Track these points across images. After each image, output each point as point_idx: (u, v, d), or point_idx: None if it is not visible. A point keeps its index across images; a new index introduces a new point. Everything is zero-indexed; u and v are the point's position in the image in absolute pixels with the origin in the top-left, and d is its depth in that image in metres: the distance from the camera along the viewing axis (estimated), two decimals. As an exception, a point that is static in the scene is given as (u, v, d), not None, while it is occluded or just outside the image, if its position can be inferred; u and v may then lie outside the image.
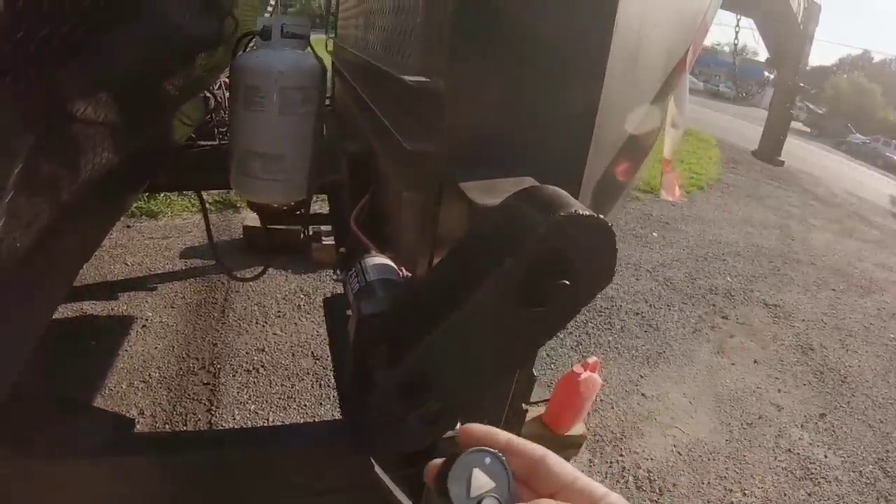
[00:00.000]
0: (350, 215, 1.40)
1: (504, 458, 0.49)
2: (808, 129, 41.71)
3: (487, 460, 0.48)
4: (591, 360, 3.19)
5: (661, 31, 1.25)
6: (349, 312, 1.00)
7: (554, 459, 0.51)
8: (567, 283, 0.68)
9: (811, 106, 48.42)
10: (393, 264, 1.05)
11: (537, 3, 0.86)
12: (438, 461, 0.50)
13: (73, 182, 0.94)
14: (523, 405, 1.38)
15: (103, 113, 1.03)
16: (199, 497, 1.29)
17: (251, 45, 2.16)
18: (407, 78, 0.99)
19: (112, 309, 3.93)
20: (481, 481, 0.47)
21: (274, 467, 1.27)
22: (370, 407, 0.79)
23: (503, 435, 0.53)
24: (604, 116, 0.99)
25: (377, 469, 0.99)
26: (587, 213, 0.68)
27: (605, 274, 0.75)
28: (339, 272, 1.35)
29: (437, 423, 0.82)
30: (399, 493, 1.07)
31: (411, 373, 0.75)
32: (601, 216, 0.70)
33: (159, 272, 4.49)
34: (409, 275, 1.07)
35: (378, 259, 1.04)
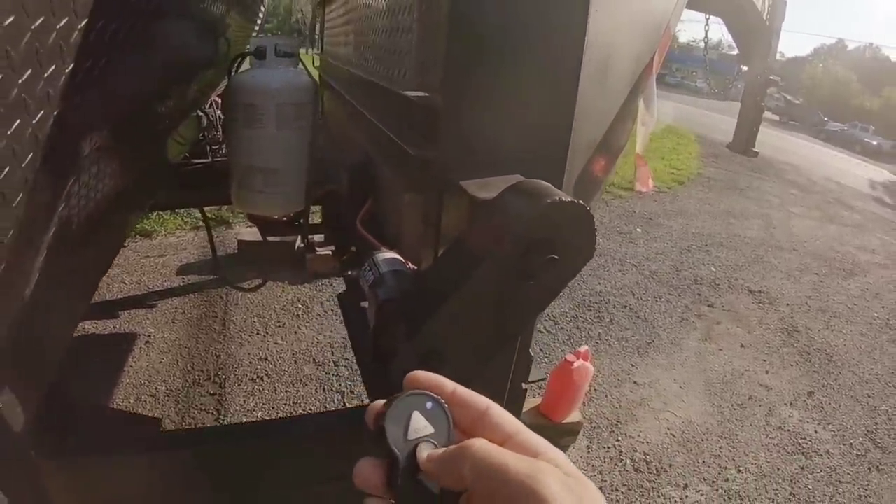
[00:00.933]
0: (355, 219, 1.53)
1: (446, 405, 0.49)
2: (778, 118, 41.82)
3: (429, 405, 0.49)
4: (582, 349, 3.31)
5: (628, 43, 1.39)
6: (364, 304, 1.12)
7: (497, 411, 0.51)
8: (555, 257, 0.81)
9: (788, 97, 48.72)
10: (400, 258, 1.18)
11: (518, 29, 1.00)
12: (381, 402, 0.49)
13: (87, 207, 1.05)
14: (523, 384, 1.49)
15: (112, 141, 1.14)
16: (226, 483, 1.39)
17: (245, 64, 2.26)
18: (408, 93, 1.12)
19: (114, 327, 4.00)
20: (419, 424, 0.48)
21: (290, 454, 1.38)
22: (392, 377, 0.92)
23: (449, 384, 0.52)
24: (580, 121, 1.13)
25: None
26: (568, 199, 0.82)
27: (586, 250, 0.88)
28: (350, 271, 1.46)
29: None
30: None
31: (428, 343, 0.88)
32: (580, 202, 0.83)
33: (158, 289, 4.55)
34: (415, 267, 1.19)
35: (387, 254, 1.16)
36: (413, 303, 0.96)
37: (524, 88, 1.04)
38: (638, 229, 7.65)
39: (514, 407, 1.52)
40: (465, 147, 1.04)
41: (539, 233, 0.82)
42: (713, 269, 6.69)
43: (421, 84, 1.17)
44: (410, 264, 1.20)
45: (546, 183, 0.88)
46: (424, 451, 0.47)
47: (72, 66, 0.86)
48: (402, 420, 0.47)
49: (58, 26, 0.79)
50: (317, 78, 2.42)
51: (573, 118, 1.10)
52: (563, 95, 1.08)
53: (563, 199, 0.81)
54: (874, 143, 34.19)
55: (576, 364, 3.19)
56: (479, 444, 0.45)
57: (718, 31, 4.16)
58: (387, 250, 1.20)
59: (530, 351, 1.41)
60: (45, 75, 0.78)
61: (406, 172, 1.15)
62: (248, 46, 2.15)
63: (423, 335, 0.88)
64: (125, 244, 5.16)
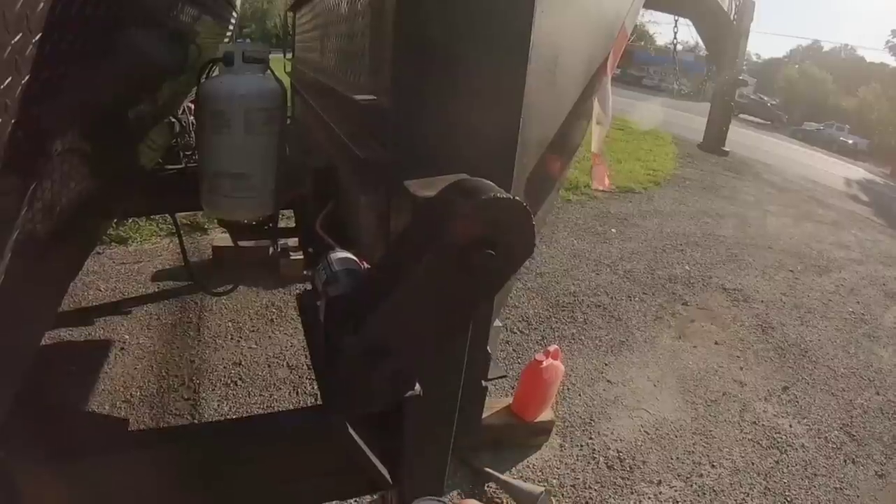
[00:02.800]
0: (316, 222, 1.55)
1: None
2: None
3: None
4: (552, 348, 3.34)
5: (578, 44, 1.43)
6: (319, 303, 1.14)
7: None
8: (492, 252, 0.84)
9: (765, 97, 49.26)
10: (355, 258, 1.20)
11: (463, 32, 1.03)
12: None
13: (54, 211, 1.05)
14: (482, 382, 1.52)
15: (81, 145, 1.15)
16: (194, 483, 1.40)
17: (214, 71, 2.27)
18: (358, 97, 1.15)
19: (89, 334, 3.97)
20: None
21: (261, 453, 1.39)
22: (340, 371, 0.95)
23: None
24: (528, 121, 1.16)
25: (350, 431, 1.12)
26: (505, 196, 0.84)
27: (526, 246, 0.91)
28: (307, 271, 1.48)
29: (396, 381, 0.98)
30: (371, 454, 1.21)
31: (372, 338, 0.91)
32: (517, 198, 0.86)
33: (133, 296, 4.52)
34: (370, 267, 1.22)
35: (342, 254, 1.19)
36: (361, 299, 0.99)
37: (470, 90, 1.07)
38: (613, 230, 7.70)
39: (475, 404, 1.55)
40: (412, 149, 1.07)
41: (476, 229, 0.84)
42: (688, 267, 6.75)
43: (372, 87, 1.20)
44: (366, 264, 1.22)
45: (487, 181, 0.91)
46: None
47: (35, 70, 0.86)
48: None
49: (17, 39, 0.80)
50: (287, 83, 2.43)
51: (520, 118, 1.13)
52: (509, 96, 1.11)
53: (501, 195, 0.84)
54: (850, 142, 34.93)
55: (545, 363, 3.23)
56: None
57: (693, 33, 4.26)
58: (341, 250, 1.22)
59: (489, 349, 1.44)
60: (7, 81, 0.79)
61: (358, 174, 1.18)
62: (219, 53, 2.17)
63: (367, 329, 0.91)
64: (100, 251, 5.13)
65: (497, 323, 1.62)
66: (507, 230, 0.87)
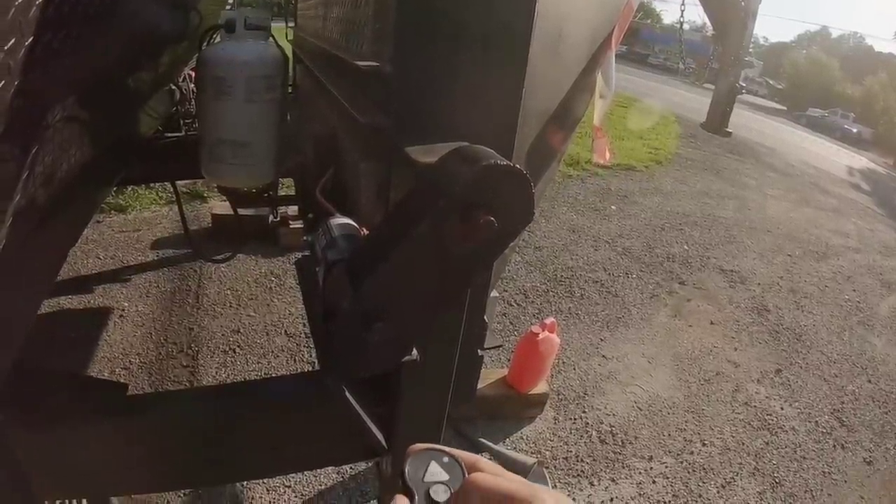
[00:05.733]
0: (316, 188, 1.56)
1: (462, 462, 0.59)
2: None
3: (446, 459, 0.58)
4: (548, 320, 3.36)
5: (583, 16, 1.42)
6: (318, 268, 1.15)
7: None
8: (492, 219, 0.85)
9: (770, 81, 49.03)
10: (354, 224, 1.21)
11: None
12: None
13: (53, 178, 1.06)
14: (479, 351, 1.53)
15: (80, 111, 1.15)
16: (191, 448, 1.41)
17: (216, 38, 2.26)
18: (361, 63, 1.15)
19: (88, 302, 4.00)
20: (435, 470, 0.57)
21: (258, 417, 1.40)
22: (337, 336, 0.96)
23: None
24: (531, 92, 1.16)
25: (348, 395, 1.14)
26: (504, 162, 0.85)
27: (524, 213, 0.91)
28: (306, 237, 1.49)
29: (393, 346, 1.00)
30: (368, 420, 1.22)
31: (370, 302, 0.92)
32: (517, 165, 0.86)
33: (132, 264, 4.54)
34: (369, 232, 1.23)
35: (342, 219, 1.20)
36: (359, 262, 0.99)
37: (473, 58, 1.06)
38: (613, 207, 7.70)
39: (471, 372, 1.56)
40: (414, 115, 1.07)
41: (476, 195, 0.85)
42: (686, 247, 6.77)
43: (375, 55, 1.20)
44: (365, 230, 1.23)
45: (487, 148, 0.91)
46: (439, 491, 0.56)
47: (37, 33, 0.86)
48: (421, 466, 0.58)
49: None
50: (289, 51, 2.42)
51: (523, 88, 1.13)
52: (512, 64, 1.10)
53: (500, 162, 0.85)
54: (854, 130, 34.93)
55: (541, 335, 3.25)
56: (483, 477, 0.53)
57: (701, 13, 4.23)
58: (341, 216, 1.23)
59: (486, 318, 1.45)
60: (6, 47, 0.79)
61: (359, 141, 1.18)
62: (220, 19, 2.15)
63: (363, 293, 0.92)
64: (99, 220, 5.14)
65: (494, 293, 1.63)
66: (506, 197, 0.87)
